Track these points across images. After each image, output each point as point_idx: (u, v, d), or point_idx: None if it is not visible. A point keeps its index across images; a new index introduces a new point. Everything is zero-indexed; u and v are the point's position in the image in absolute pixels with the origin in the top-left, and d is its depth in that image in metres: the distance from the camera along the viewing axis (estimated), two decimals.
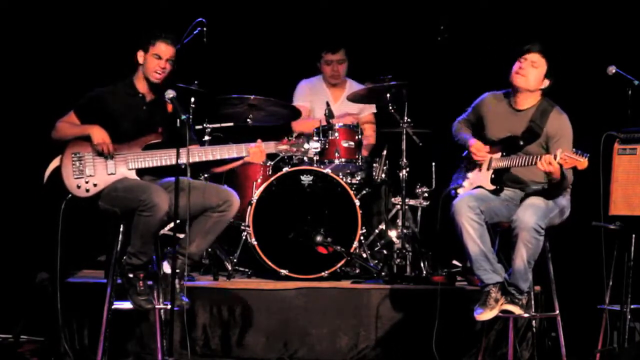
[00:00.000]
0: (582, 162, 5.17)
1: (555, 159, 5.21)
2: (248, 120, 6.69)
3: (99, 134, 5.34)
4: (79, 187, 5.34)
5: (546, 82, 5.50)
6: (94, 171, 5.35)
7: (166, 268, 5.38)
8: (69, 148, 5.37)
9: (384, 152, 7.02)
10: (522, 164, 5.42)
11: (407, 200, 6.75)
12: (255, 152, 5.49)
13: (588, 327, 6.09)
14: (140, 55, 5.47)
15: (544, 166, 5.26)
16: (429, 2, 7.51)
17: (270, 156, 6.78)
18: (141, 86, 5.50)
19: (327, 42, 7.41)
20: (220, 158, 5.47)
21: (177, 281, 5.26)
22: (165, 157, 5.40)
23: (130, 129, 5.44)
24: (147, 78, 5.47)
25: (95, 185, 5.34)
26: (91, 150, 5.36)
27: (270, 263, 6.50)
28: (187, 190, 5.26)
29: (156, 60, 5.45)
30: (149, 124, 5.47)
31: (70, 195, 5.33)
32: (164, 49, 5.45)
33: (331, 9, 7.81)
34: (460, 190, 5.69)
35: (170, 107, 5.54)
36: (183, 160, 5.24)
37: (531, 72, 5.45)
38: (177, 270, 5.26)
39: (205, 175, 6.77)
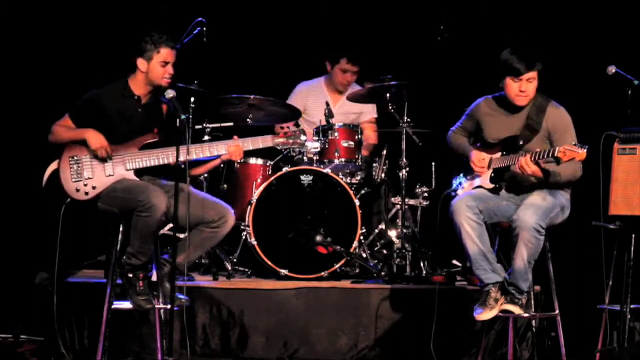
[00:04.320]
0: (581, 154, 5.18)
1: (554, 154, 5.22)
2: (248, 120, 6.69)
3: (95, 139, 5.33)
4: (78, 190, 5.33)
5: None
6: (93, 174, 5.35)
7: (154, 277, 5.39)
8: (66, 152, 5.36)
9: (384, 152, 7.02)
10: None
11: (407, 200, 6.75)
12: (233, 150, 5.48)
13: (588, 327, 6.08)
14: (141, 63, 5.41)
15: (522, 170, 5.28)
16: (429, 2, 7.51)
17: (270, 156, 6.79)
18: (138, 89, 5.48)
19: (352, 52, 7.35)
20: (203, 157, 5.46)
21: (167, 286, 5.27)
22: (162, 157, 5.40)
23: (127, 131, 5.43)
24: (153, 83, 5.45)
25: (94, 188, 5.33)
26: (88, 153, 5.35)
27: (270, 263, 6.50)
28: (187, 195, 5.24)
29: (163, 67, 5.42)
30: (145, 125, 5.46)
31: (69, 200, 5.33)
32: (169, 55, 5.42)
33: (331, 9, 7.80)
34: (459, 191, 5.70)
35: (165, 108, 5.54)
36: (181, 159, 5.22)
37: (530, 88, 5.45)
38: (164, 277, 5.32)
39: (205, 175, 6.77)
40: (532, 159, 5.31)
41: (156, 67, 5.42)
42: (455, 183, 5.81)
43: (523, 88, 5.43)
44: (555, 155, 5.23)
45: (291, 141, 5.59)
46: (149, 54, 5.40)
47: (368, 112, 7.50)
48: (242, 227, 6.60)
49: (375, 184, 7.06)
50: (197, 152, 5.43)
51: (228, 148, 5.47)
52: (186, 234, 5.36)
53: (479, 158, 5.61)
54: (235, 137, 5.55)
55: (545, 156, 5.29)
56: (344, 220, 6.59)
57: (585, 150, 5.18)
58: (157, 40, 5.40)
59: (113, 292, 5.36)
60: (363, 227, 6.64)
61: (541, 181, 5.40)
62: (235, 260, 6.62)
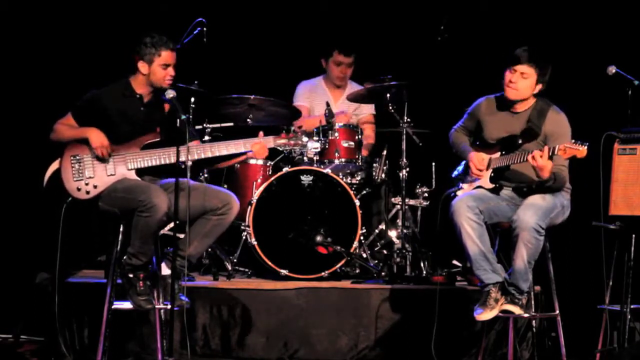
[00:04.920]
0: (581, 151, 5.18)
1: (554, 151, 5.22)
2: (248, 120, 6.70)
3: (97, 138, 5.33)
4: (79, 189, 5.33)
5: (539, 87, 5.49)
6: (94, 173, 5.35)
7: (164, 270, 5.39)
8: (67, 151, 5.36)
9: (384, 152, 7.02)
10: (521, 161, 5.42)
11: (407, 200, 6.75)
12: (257, 149, 5.48)
13: (588, 327, 6.09)
14: (142, 65, 5.40)
15: (534, 161, 5.26)
16: (429, 2, 7.51)
17: (270, 156, 6.79)
18: (140, 88, 5.48)
19: (341, 43, 7.38)
20: (219, 154, 5.46)
21: (168, 281, 5.27)
22: (164, 156, 5.40)
23: (128, 130, 5.42)
24: (153, 85, 5.44)
25: (95, 187, 5.33)
26: (89, 152, 5.36)
27: (270, 263, 6.50)
28: (187, 192, 5.25)
29: (164, 70, 5.42)
30: (147, 124, 5.46)
31: (70, 199, 5.33)
32: (169, 57, 5.41)
33: (331, 9, 7.81)
34: (459, 192, 5.69)
35: (167, 107, 5.54)
36: (182, 158, 5.22)
37: (521, 83, 5.44)
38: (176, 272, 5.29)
39: (206, 175, 6.78)
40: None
41: (157, 70, 5.42)
42: (455, 173, 5.81)
43: (513, 79, 5.42)
44: (556, 153, 5.23)
45: (292, 142, 5.59)
46: (150, 56, 5.39)
47: (366, 110, 7.50)
48: (242, 227, 6.60)
49: (375, 184, 7.06)
50: (199, 152, 5.42)
51: (252, 146, 5.47)
52: (186, 232, 5.36)
53: (478, 160, 5.60)
54: (261, 133, 5.54)
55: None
56: (344, 220, 6.59)
57: (586, 147, 5.18)
58: (157, 42, 5.39)
59: (113, 292, 5.36)
60: (363, 227, 6.64)
61: (543, 181, 5.38)
62: (235, 260, 6.61)
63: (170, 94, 5.24)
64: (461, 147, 5.73)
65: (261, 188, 6.59)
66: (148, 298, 5.34)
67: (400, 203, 6.76)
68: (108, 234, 5.53)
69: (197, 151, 5.41)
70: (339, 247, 6.51)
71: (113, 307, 5.36)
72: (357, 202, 6.60)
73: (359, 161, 6.95)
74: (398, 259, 6.67)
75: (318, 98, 7.39)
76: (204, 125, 6.81)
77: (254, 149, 5.48)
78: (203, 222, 5.38)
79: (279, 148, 5.67)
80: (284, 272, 6.47)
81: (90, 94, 5.47)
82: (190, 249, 5.34)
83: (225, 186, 6.81)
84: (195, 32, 6.54)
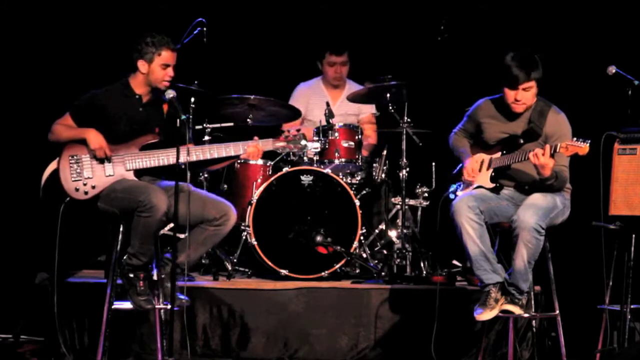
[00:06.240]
0: (583, 148, 5.18)
1: (556, 149, 5.22)
2: (248, 120, 6.70)
3: (95, 139, 5.32)
4: (77, 189, 5.33)
5: (537, 89, 5.49)
6: (92, 173, 5.34)
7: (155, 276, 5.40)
8: (66, 151, 5.36)
9: (384, 152, 7.02)
10: (522, 159, 5.42)
11: (407, 200, 6.75)
12: (252, 151, 5.48)
13: (588, 327, 6.09)
14: (142, 64, 5.39)
15: (535, 158, 5.26)
16: (429, 2, 7.51)
17: (270, 156, 6.79)
18: (138, 88, 5.48)
19: (332, 43, 7.38)
20: (217, 157, 5.46)
21: (168, 285, 5.26)
22: (162, 157, 5.39)
23: (127, 130, 5.42)
24: (152, 85, 5.44)
25: (93, 187, 5.33)
26: (88, 153, 5.35)
27: (270, 263, 6.50)
28: (187, 194, 5.24)
29: (164, 70, 5.41)
30: (146, 124, 5.46)
31: (68, 199, 5.32)
32: (170, 57, 5.41)
33: (331, 9, 7.81)
34: (459, 192, 5.69)
35: (166, 107, 5.53)
36: (181, 159, 5.21)
37: (527, 97, 5.43)
38: (165, 276, 5.31)
39: (205, 175, 6.78)
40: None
41: (156, 69, 5.41)
42: (453, 187, 5.82)
43: (518, 97, 5.42)
44: (558, 150, 5.24)
45: (292, 145, 5.59)
46: (150, 55, 5.39)
47: (367, 110, 7.49)
48: (242, 227, 6.60)
49: (375, 184, 7.06)
50: (197, 153, 5.42)
51: (247, 148, 5.47)
52: (186, 234, 5.36)
53: (471, 167, 5.61)
54: (256, 137, 5.54)
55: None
56: (344, 220, 6.59)
57: (588, 144, 5.18)
58: (158, 41, 5.38)
59: (113, 292, 5.36)
60: (363, 227, 6.64)
61: (543, 180, 5.38)
62: (235, 260, 6.61)
63: (170, 94, 5.23)
64: (459, 151, 5.73)
65: (261, 188, 6.59)
66: (148, 298, 5.34)
67: (400, 203, 6.76)
68: (107, 234, 5.54)
69: (195, 153, 5.40)
70: (339, 247, 6.51)
71: (113, 307, 5.36)
72: (357, 202, 6.60)
73: (359, 161, 6.95)
74: (398, 259, 6.66)
75: (316, 99, 7.37)
76: (204, 125, 6.81)
77: (248, 151, 5.48)
78: (199, 231, 5.37)
79: (277, 151, 5.67)
80: (284, 272, 6.47)
81: (90, 94, 5.47)
82: (183, 257, 5.30)
83: (225, 186, 6.83)
84: (195, 32, 6.54)
